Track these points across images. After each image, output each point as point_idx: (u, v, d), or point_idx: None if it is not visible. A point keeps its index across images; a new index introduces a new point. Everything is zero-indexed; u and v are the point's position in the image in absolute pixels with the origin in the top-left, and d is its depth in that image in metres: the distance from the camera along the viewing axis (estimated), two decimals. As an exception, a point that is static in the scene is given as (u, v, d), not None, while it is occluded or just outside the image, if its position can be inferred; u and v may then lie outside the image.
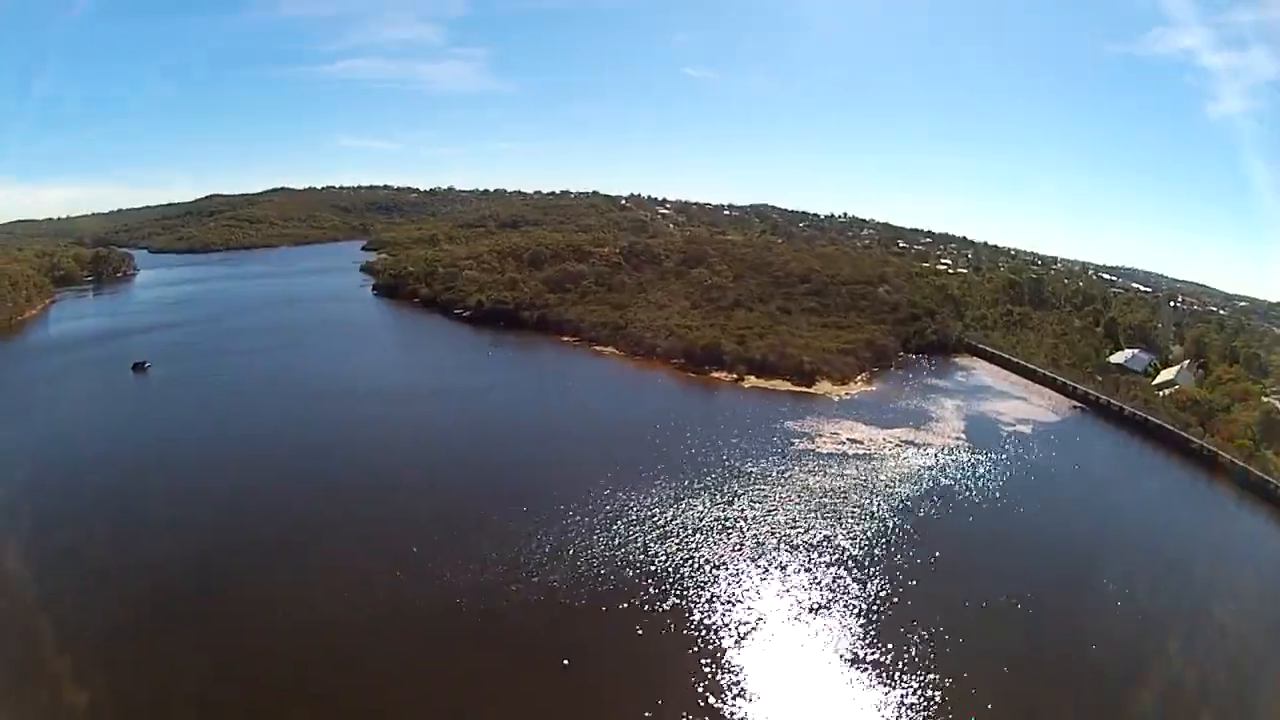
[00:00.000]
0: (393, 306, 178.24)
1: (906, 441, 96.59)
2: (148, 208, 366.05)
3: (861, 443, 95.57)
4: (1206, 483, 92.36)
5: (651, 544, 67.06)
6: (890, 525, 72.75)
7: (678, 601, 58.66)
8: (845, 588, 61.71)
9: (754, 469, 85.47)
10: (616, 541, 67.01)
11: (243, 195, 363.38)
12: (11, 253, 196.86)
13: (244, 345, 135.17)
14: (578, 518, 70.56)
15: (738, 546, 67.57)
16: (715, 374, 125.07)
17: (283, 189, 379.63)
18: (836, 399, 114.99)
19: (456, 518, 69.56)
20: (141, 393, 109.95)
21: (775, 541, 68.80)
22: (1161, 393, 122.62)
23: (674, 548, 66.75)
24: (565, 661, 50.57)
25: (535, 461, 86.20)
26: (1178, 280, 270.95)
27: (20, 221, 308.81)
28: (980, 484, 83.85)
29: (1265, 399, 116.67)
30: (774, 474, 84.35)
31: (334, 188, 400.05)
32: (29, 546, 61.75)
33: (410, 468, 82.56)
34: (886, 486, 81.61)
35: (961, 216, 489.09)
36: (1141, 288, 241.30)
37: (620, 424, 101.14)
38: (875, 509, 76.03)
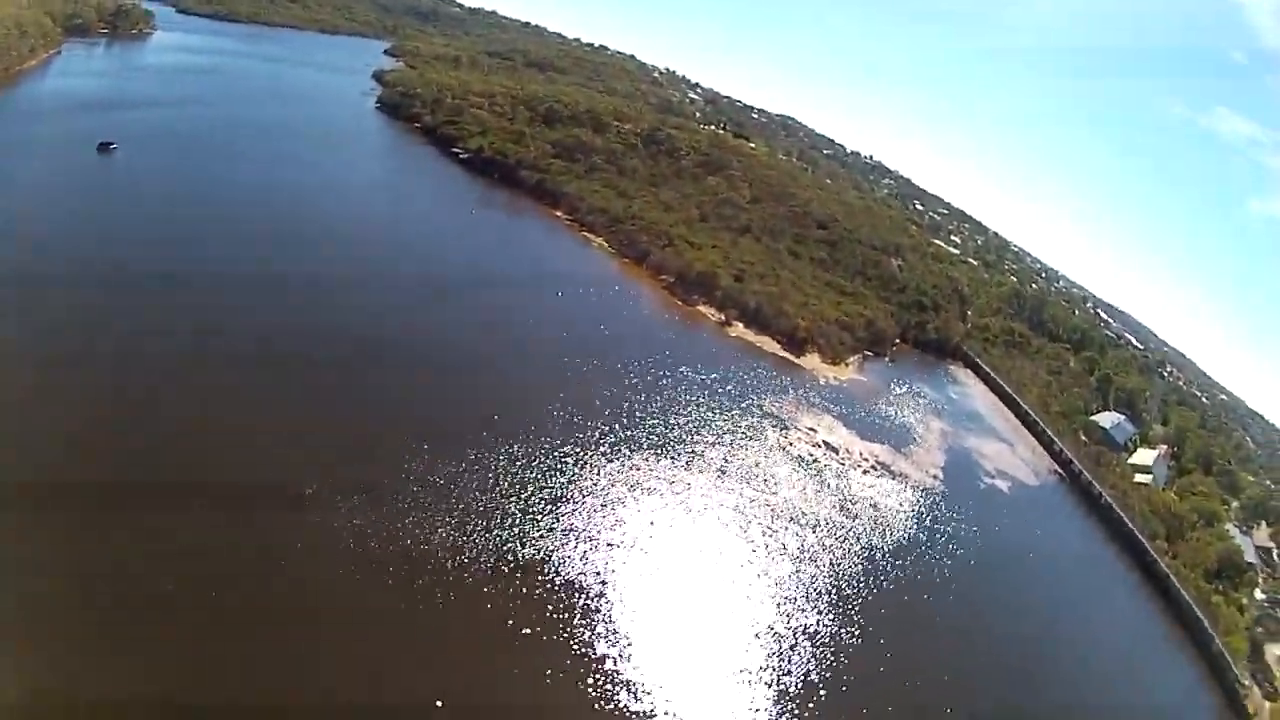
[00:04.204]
0: (390, 128, 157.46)
1: (883, 464, 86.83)
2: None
3: (837, 451, 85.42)
4: (1160, 616, 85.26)
5: (592, 551, 55.92)
6: (842, 582, 63.66)
7: (602, 634, 48.51)
8: (778, 655, 52.72)
9: (720, 457, 75.18)
10: (553, 541, 55.41)
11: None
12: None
13: (220, 141, 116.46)
14: (510, 492, 58.47)
15: (679, 574, 57.25)
16: (702, 308, 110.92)
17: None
18: (823, 380, 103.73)
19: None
20: (97, 177, 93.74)
21: (722, 572, 59.20)
22: (1137, 477, 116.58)
23: (620, 558, 56.32)
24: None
25: (482, 388, 72.70)
26: (1166, 344, 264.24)
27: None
28: (944, 553, 74.70)
29: (1228, 529, 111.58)
30: (739, 470, 74.06)
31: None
32: None
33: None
34: (851, 528, 72.04)
35: (977, 197, 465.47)
36: (1134, 340, 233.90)
37: (590, 351, 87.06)
38: (833, 556, 66.77)
